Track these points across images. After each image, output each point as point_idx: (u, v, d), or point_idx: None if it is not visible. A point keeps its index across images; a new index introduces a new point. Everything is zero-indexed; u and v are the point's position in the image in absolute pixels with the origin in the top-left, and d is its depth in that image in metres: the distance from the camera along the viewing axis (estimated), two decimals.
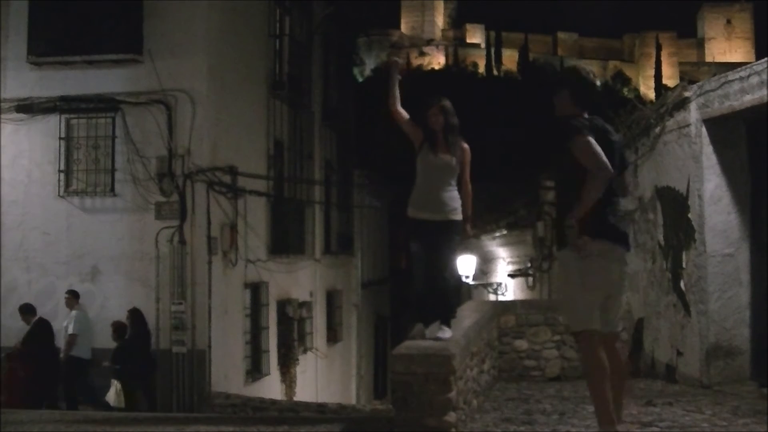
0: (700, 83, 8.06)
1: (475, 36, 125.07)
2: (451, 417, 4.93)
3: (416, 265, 5.52)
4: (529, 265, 17.76)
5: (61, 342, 11.32)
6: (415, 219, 5.52)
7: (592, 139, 4.53)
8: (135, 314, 11.39)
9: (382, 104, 5.78)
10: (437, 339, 5.25)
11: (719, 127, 7.63)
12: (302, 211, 15.72)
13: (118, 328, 11.28)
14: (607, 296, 4.61)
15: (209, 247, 12.02)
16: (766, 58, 6.83)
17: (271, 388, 14.05)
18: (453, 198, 5.51)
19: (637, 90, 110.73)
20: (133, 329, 11.30)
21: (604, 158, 4.49)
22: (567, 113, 4.79)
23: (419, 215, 5.50)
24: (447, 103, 5.57)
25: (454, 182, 5.54)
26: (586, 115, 4.79)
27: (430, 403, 4.90)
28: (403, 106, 5.66)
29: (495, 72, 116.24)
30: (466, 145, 5.62)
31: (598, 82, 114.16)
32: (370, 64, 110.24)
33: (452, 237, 5.50)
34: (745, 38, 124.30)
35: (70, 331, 11.18)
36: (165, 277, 11.94)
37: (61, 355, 11.16)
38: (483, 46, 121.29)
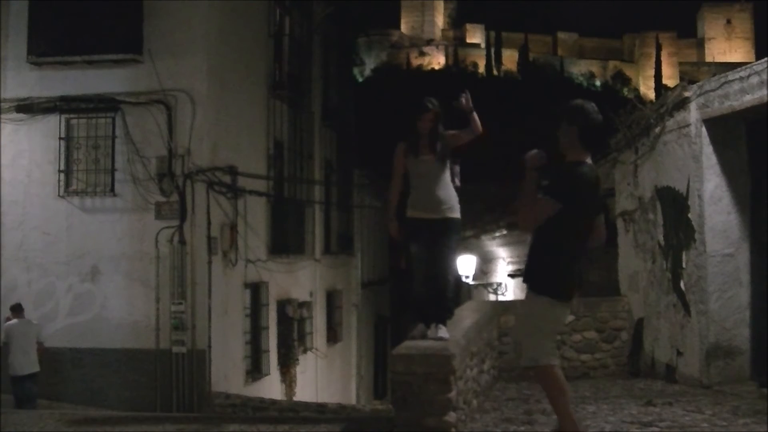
0: (700, 83, 8.05)
1: (475, 36, 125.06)
2: (451, 417, 4.93)
3: (415, 265, 5.52)
4: None
5: None
6: (413, 218, 5.51)
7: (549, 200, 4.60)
8: None
9: (382, 108, 5.86)
10: (437, 339, 5.25)
11: (719, 127, 7.62)
12: (302, 211, 15.72)
13: None
14: None
15: (209, 247, 12.02)
16: (766, 58, 6.82)
17: (271, 388, 14.05)
18: (449, 196, 5.50)
19: (637, 90, 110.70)
20: None
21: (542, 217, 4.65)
22: (570, 154, 4.66)
23: (417, 215, 5.50)
24: (438, 110, 5.54)
25: (446, 179, 5.52)
26: (588, 160, 4.68)
27: (430, 403, 4.90)
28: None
29: (495, 72, 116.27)
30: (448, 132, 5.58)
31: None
32: (370, 64, 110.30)
33: (450, 235, 5.50)
34: (745, 38, 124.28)
35: None
36: (165, 277, 11.95)
37: None
38: (483, 46, 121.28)
